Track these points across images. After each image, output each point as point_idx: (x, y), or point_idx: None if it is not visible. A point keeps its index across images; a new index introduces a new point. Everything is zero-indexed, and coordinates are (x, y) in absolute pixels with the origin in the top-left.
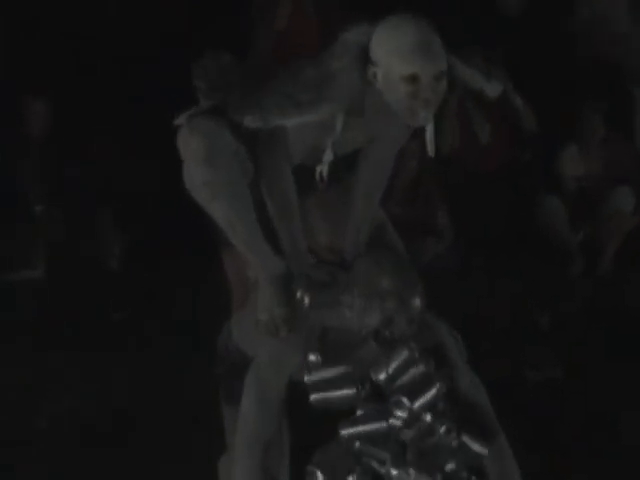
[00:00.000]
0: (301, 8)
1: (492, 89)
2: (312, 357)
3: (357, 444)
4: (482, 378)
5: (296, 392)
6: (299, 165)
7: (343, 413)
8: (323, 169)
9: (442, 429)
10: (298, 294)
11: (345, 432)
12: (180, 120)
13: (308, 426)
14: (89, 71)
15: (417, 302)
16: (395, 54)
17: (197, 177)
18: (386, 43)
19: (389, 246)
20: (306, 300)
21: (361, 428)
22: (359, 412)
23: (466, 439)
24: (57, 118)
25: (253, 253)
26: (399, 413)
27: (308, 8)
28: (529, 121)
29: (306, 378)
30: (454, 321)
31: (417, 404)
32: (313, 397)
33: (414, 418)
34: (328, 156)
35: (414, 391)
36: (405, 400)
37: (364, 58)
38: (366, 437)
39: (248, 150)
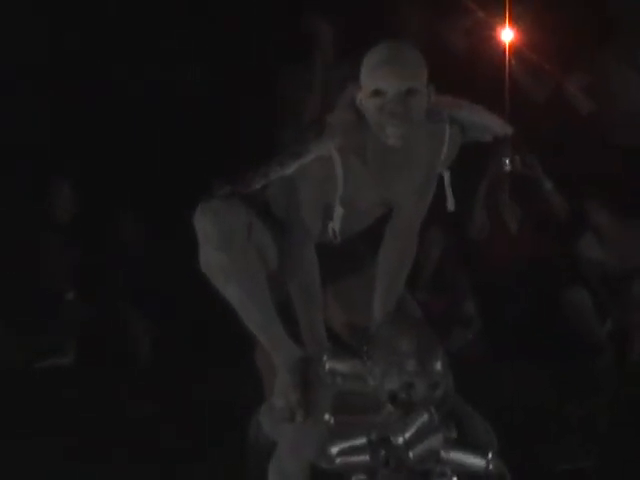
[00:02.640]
0: (327, 99)
1: (504, 129)
2: (327, 417)
3: None
4: (511, 468)
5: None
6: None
7: None
8: (335, 225)
9: None
10: (322, 360)
11: None
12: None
13: None
14: (115, 155)
15: (437, 366)
16: (366, 72)
17: (211, 261)
18: (363, 66)
19: (408, 312)
20: (327, 366)
21: None
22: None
23: None
24: (83, 202)
25: (267, 338)
26: None
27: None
28: (560, 208)
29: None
30: (482, 410)
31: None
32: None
33: None
34: (338, 211)
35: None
36: (449, 472)
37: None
38: None
39: (271, 234)
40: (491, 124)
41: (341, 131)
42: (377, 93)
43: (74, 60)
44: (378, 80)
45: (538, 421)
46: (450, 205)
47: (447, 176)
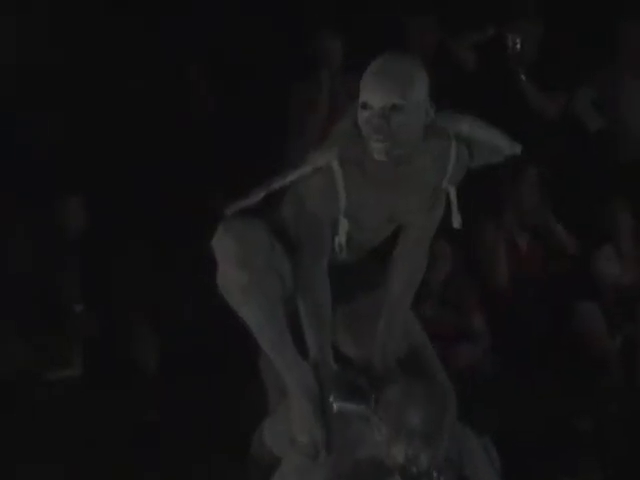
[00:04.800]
0: (335, 112)
1: (513, 148)
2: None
3: None
4: None
5: None
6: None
7: None
8: (341, 239)
9: None
10: (330, 400)
11: None
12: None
13: None
14: (126, 171)
15: (444, 438)
16: (361, 84)
17: (231, 280)
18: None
19: (422, 365)
20: (335, 407)
21: None
22: None
23: None
24: (93, 216)
25: (282, 360)
26: None
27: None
28: (569, 247)
29: None
30: (489, 426)
31: None
32: None
33: None
34: (343, 224)
35: None
36: None
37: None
38: None
39: (288, 256)
40: (499, 142)
41: (341, 142)
42: (364, 106)
43: (88, 77)
44: (366, 93)
45: (547, 435)
46: (456, 223)
47: (453, 193)
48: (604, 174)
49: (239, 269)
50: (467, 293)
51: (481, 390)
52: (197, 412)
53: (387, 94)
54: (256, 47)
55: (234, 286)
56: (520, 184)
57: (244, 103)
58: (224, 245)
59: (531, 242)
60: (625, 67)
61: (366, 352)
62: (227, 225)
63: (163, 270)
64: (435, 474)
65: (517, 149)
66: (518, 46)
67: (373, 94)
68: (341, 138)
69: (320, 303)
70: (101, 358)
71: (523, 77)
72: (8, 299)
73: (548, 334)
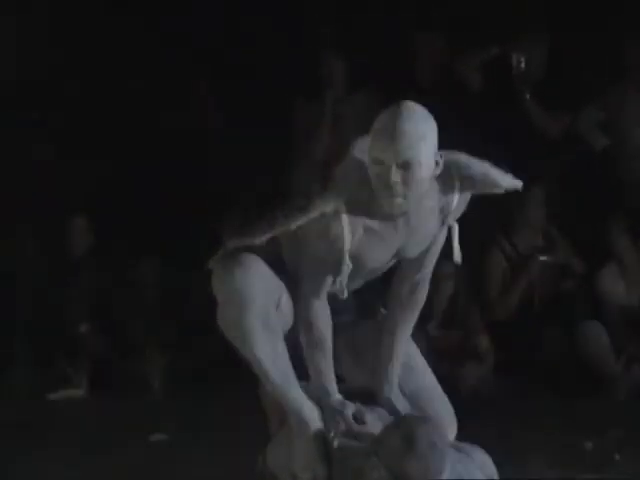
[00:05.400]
0: (339, 134)
1: (508, 183)
2: None
3: None
4: None
5: None
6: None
7: None
8: (343, 280)
9: None
10: (330, 436)
11: None
12: (212, 263)
13: None
14: (130, 190)
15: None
16: (372, 136)
17: (230, 320)
18: (373, 126)
19: (421, 393)
20: (335, 443)
21: None
22: None
23: None
24: (98, 236)
25: (285, 399)
26: None
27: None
28: (576, 266)
29: None
30: (496, 446)
31: None
32: None
33: None
34: (346, 267)
35: None
36: None
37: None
38: None
39: (288, 292)
40: (501, 180)
41: (348, 187)
42: (377, 161)
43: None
44: (378, 149)
45: (552, 455)
46: (457, 257)
47: (455, 229)
48: (608, 193)
49: (240, 311)
50: (471, 312)
51: (484, 409)
52: (203, 429)
53: (400, 151)
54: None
55: (234, 327)
56: (525, 202)
57: (245, 107)
58: (224, 285)
59: (539, 262)
60: (631, 83)
61: (370, 379)
62: (227, 264)
63: (169, 289)
64: None
65: (518, 185)
66: (523, 65)
67: (386, 151)
68: (347, 183)
69: (321, 335)
70: (107, 378)
71: (528, 96)
72: (14, 317)
73: (553, 353)
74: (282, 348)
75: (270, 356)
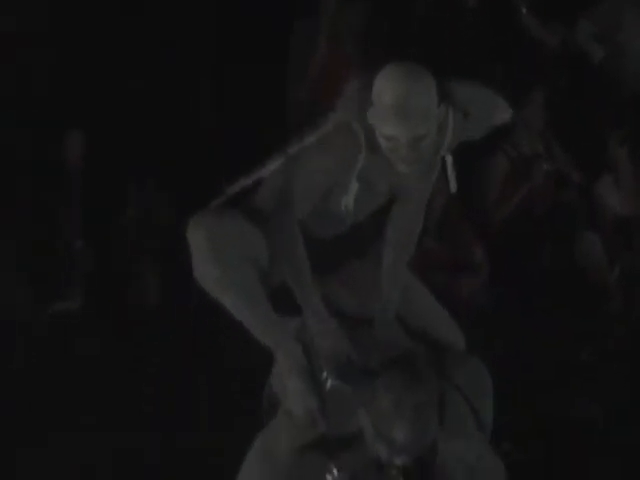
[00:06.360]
0: (336, 52)
1: (505, 112)
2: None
3: None
4: (521, 416)
5: None
6: (321, 239)
7: None
8: (349, 200)
9: None
10: (322, 378)
11: None
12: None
13: None
14: (127, 107)
15: (428, 441)
16: (377, 113)
17: (204, 273)
18: (375, 100)
19: (421, 324)
20: (328, 385)
21: None
22: None
23: None
24: (93, 150)
25: (270, 341)
26: None
27: (343, 50)
28: (575, 176)
29: None
30: (489, 359)
31: None
32: None
33: None
34: (353, 186)
35: None
36: None
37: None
38: None
39: (264, 237)
40: (493, 104)
41: (358, 102)
42: (388, 137)
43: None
44: (389, 127)
45: (546, 368)
46: (452, 188)
47: (450, 160)
48: (606, 105)
49: (211, 264)
50: (464, 225)
51: (480, 320)
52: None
53: (412, 128)
54: None
55: (209, 280)
56: (525, 106)
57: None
58: (195, 240)
59: (543, 168)
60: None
61: (366, 306)
62: (198, 219)
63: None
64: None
65: (508, 114)
66: None
67: (398, 129)
68: (358, 100)
69: (298, 264)
70: (101, 293)
71: (524, 10)
72: (8, 235)
73: (549, 264)
74: (258, 294)
75: (246, 305)
